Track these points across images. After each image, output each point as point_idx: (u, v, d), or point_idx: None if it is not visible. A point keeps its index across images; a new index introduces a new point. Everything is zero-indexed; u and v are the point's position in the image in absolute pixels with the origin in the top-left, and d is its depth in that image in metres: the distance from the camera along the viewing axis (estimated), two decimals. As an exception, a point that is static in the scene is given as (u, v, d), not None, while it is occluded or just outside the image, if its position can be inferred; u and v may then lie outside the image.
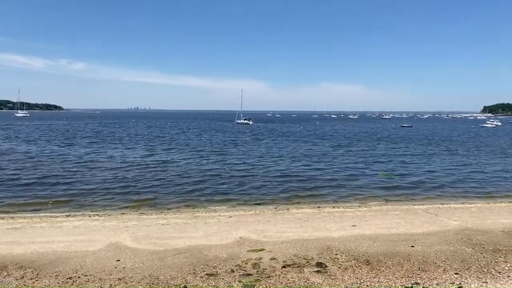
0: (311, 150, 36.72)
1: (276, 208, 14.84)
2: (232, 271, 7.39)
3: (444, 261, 7.90)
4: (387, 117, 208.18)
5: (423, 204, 15.30)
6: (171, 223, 11.87)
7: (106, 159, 28.79)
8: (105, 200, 16.13)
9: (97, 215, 13.78)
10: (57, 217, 13.39)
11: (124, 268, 7.64)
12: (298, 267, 7.58)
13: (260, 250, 8.70)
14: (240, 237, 9.88)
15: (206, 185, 19.26)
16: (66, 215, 13.73)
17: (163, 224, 11.71)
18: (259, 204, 15.74)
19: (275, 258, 8.09)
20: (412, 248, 8.83)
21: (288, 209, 14.68)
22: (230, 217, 12.87)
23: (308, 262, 7.88)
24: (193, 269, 7.52)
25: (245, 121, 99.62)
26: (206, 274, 7.25)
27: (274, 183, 19.96)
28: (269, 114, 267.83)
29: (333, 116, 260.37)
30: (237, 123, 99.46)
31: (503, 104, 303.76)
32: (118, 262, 8.01)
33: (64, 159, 28.37)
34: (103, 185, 19.01)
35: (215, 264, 7.79)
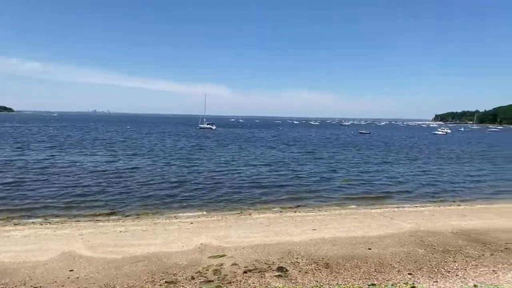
0: (274, 156, 37.07)
1: (238, 214, 14.81)
2: (193, 278, 7.26)
3: (399, 262, 8.24)
4: (346, 123, 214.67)
5: (379, 208, 15.91)
6: (130, 230, 11.48)
7: (62, 165, 27.38)
8: (59, 208, 15.31)
9: (49, 223, 13.06)
10: (5, 226, 12.53)
11: (77, 278, 7.29)
12: (259, 272, 7.59)
13: (221, 256, 8.63)
14: (201, 244, 9.76)
15: (167, 191, 18.85)
16: (14, 224, 12.88)
17: (120, 232, 11.31)
18: (221, 210, 15.63)
19: (236, 264, 8.05)
20: (369, 250, 9.13)
21: (250, 214, 14.70)
22: (191, 223, 12.67)
23: (269, 266, 7.91)
24: (152, 277, 7.31)
25: (208, 126, 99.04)
26: (166, 282, 7.08)
27: (237, 188, 19.92)
28: (233, 119, 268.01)
29: (295, 122, 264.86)
30: (200, 128, 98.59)
31: (453, 112, 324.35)
32: (71, 272, 7.63)
33: (16, 165, 26.67)
34: (57, 191, 18.04)
35: (175, 272, 7.63)
